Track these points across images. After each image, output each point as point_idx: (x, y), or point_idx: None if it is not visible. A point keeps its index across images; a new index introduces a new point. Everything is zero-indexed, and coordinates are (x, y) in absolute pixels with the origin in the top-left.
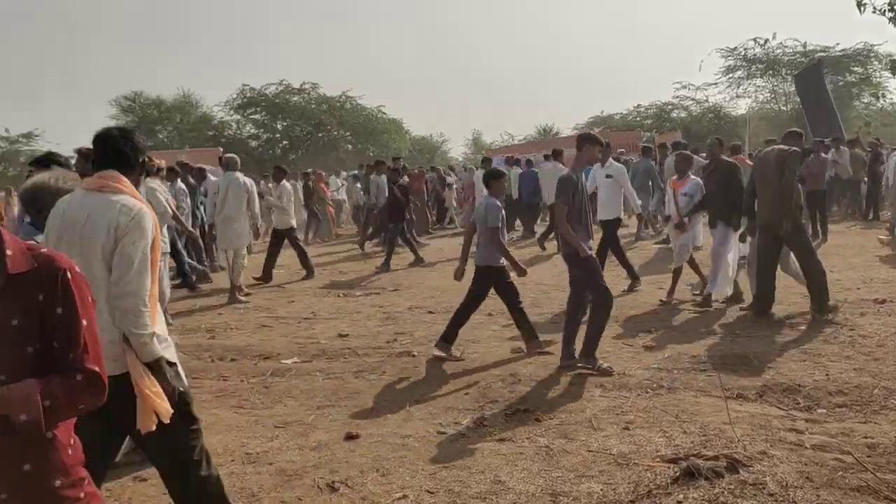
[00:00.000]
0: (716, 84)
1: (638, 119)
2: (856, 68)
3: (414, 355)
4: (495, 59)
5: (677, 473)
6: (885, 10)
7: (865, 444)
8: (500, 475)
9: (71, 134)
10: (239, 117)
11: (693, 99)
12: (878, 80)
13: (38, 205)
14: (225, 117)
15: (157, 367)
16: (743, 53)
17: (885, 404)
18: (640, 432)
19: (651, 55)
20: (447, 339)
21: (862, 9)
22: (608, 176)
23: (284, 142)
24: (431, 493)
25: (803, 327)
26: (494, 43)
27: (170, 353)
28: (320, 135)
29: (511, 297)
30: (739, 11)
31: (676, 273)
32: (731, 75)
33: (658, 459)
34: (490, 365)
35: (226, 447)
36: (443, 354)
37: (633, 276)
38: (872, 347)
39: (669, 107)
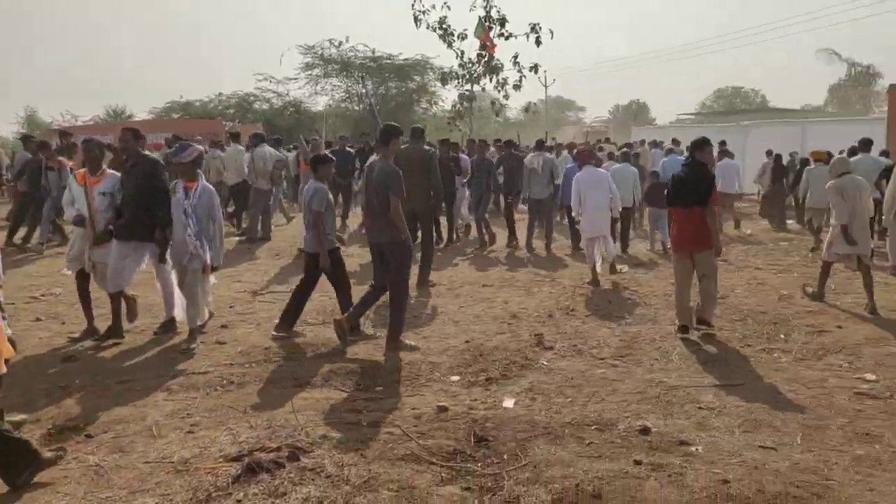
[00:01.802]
0: (296, 79)
1: (220, 108)
2: (416, 77)
3: None
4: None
5: (239, 472)
6: (435, 28)
7: (413, 416)
8: None
9: None
10: None
11: (275, 92)
12: (433, 88)
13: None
14: None
15: None
16: (320, 53)
17: (430, 377)
18: (204, 434)
19: (237, 43)
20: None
21: (418, 23)
22: None
23: None
24: None
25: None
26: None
27: None
28: None
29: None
30: (320, 11)
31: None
32: (309, 72)
33: (221, 460)
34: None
35: None
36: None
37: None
38: (422, 327)
39: (252, 98)
